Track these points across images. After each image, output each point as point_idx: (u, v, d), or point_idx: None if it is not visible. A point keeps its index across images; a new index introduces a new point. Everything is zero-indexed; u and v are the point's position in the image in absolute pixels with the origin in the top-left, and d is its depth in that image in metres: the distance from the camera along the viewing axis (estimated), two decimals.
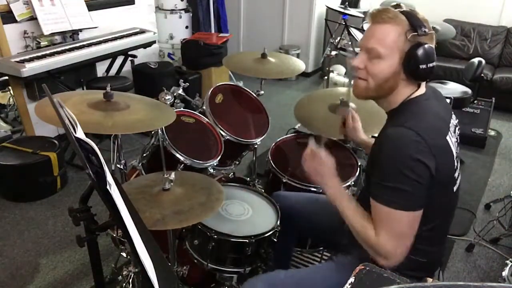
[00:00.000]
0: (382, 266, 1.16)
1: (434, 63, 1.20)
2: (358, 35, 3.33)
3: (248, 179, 2.29)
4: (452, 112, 1.32)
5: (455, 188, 1.28)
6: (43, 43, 3.11)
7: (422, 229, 1.26)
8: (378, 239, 1.18)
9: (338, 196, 1.32)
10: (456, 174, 1.27)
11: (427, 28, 1.18)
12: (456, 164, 1.26)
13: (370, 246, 1.21)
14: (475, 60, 3.33)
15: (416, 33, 1.16)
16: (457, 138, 1.30)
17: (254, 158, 2.33)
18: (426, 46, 1.17)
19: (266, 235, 1.55)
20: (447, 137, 1.22)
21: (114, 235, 1.93)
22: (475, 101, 3.60)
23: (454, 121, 1.30)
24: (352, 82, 1.81)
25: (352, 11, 3.65)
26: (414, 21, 1.17)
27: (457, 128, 1.32)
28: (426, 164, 1.13)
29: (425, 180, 1.14)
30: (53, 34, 3.15)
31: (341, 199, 1.31)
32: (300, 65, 2.30)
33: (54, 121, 1.22)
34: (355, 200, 1.33)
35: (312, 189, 1.89)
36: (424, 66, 1.17)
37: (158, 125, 1.63)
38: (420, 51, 1.16)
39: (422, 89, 1.26)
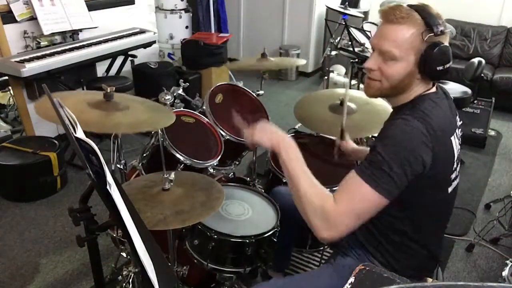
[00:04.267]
0: (322, 239, 1.13)
1: (450, 63, 1.17)
2: (358, 35, 3.33)
3: (248, 179, 2.29)
4: (457, 113, 1.31)
5: (450, 189, 1.26)
6: (43, 43, 3.11)
7: (420, 228, 1.26)
8: (337, 207, 1.11)
9: (295, 155, 1.20)
10: (453, 176, 1.25)
11: (442, 26, 1.13)
12: (455, 165, 1.25)
13: (321, 211, 1.12)
14: (475, 60, 3.33)
15: (432, 34, 1.12)
16: (459, 139, 1.28)
17: (254, 158, 2.33)
18: (442, 46, 1.13)
19: (266, 235, 1.55)
20: (452, 137, 1.21)
21: (114, 235, 1.93)
22: (475, 101, 3.61)
23: (458, 122, 1.29)
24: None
25: (352, 11, 3.66)
26: (429, 20, 1.12)
27: (459, 130, 1.31)
28: (423, 160, 1.11)
29: (412, 175, 1.11)
30: (53, 34, 3.15)
31: (298, 159, 1.20)
32: (300, 60, 2.34)
33: (54, 119, 1.22)
34: None
35: None
36: (441, 68, 1.15)
37: (158, 127, 1.63)
38: (436, 53, 1.12)
39: (433, 88, 1.24)
